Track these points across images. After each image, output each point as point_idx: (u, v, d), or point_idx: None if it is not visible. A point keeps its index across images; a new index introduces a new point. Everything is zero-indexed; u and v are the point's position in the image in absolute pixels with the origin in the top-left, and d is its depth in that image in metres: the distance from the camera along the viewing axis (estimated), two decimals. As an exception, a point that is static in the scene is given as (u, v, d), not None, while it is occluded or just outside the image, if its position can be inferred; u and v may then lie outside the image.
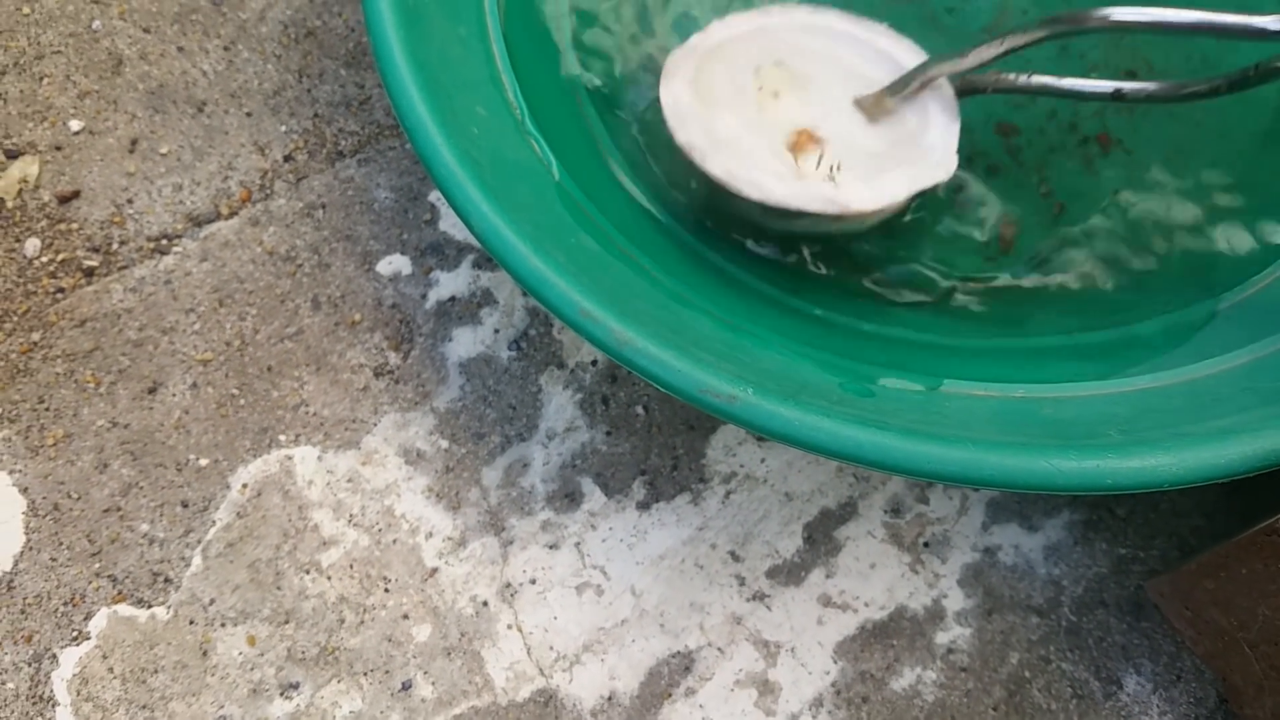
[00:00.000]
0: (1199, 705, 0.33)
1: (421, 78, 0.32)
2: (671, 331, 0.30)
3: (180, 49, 0.43)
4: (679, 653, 0.34)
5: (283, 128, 0.42)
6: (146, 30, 0.44)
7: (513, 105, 0.35)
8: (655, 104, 0.37)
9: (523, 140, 0.35)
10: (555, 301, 0.30)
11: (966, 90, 0.36)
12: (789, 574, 0.35)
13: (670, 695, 0.34)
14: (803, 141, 0.37)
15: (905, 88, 0.35)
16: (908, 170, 0.35)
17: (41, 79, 0.43)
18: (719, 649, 0.34)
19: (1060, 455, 0.27)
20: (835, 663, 0.34)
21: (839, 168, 0.36)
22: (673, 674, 0.34)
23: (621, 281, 0.32)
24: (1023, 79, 0.35)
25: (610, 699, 0.34)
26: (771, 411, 0.28)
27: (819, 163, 0.36)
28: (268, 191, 0.41)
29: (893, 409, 0.30)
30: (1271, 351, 0.31)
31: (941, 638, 0.34)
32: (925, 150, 0.36)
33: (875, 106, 0.37)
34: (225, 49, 0.43)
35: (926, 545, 0.35)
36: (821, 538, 0.35)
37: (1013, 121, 0.39)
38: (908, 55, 0.37)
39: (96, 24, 0.44)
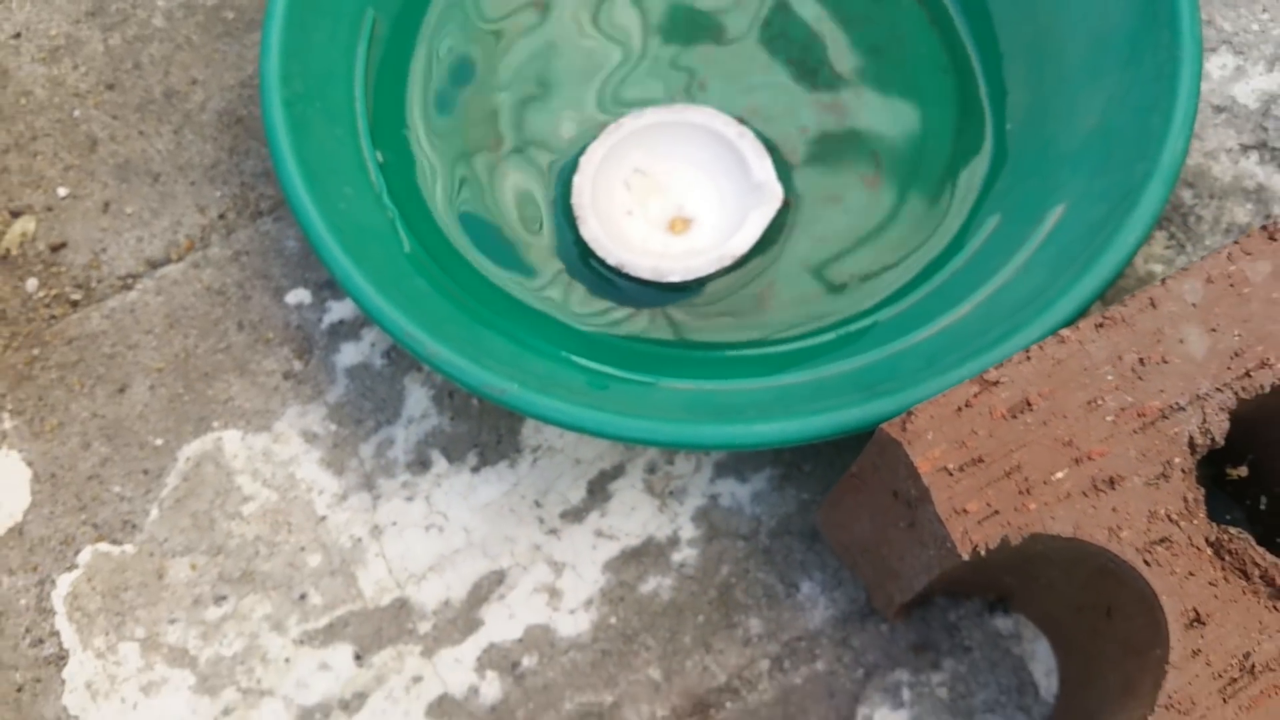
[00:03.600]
0: (853, 602, 0.47)
1: (303, 170, 0.46)
2: (472, 347, 0.44)
3: (141, 132, 0.57)
4: (495, 571, 0.48)
5: (217, 193, 0.56)
6: (115, 117, 0.57)
7: (374, 185, 0.49)
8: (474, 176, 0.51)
9: (380, 211, 0.49)
10: (389, 326, 0.44)
11: None
12: (574, 515, 0.49)
13: (488, 599, 0.48)
14: (678, 224, 0.51)
15: None
16: (758, 210, 0.50)
17: (36, 155, 0.57)
18: (523, 567, 0.48)
19: (712, 425, 0.41)
20: (603, 575, 0.48)
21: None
22: (490, 585, 0.48)
23: (442, 312, 0.46)
24: None
25: (446, 603, 0.48)
26: (531, 400, 0.42)
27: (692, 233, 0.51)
28: (206, 242, 0.55)
29: (617, 398, 0.44)
30: (882, 357, 0.45)
31: (676, 556, 0.48)
32: (759, 188, 0.50)
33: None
34: (175, 132, 0.57)
35: (671, 493, 0.49)
36: (599, 490, 0.49)
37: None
38: (723, 124, 0.52)
39: (77, 112, 0.58)
